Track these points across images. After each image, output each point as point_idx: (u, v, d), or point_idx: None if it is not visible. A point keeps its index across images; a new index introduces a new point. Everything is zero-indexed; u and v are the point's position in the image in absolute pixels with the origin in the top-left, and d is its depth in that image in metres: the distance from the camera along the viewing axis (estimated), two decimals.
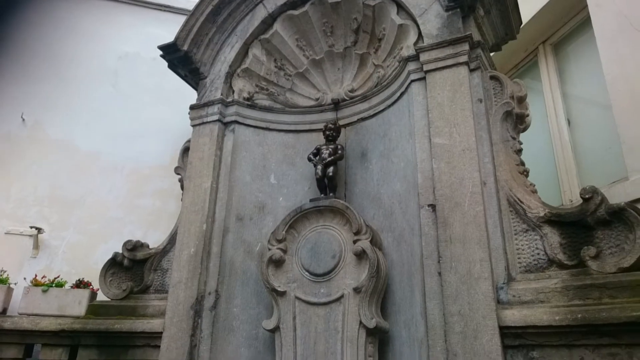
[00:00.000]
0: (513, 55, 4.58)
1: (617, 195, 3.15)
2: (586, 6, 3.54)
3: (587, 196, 2.34)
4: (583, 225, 2.34)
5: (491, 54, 3.55)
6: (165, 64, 3.84)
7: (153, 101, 4.47)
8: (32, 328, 3.27)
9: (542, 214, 2.46)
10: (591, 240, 2.31)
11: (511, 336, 2.28)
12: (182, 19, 3.89)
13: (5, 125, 4.19)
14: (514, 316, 2.27)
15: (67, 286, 3.50)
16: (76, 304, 3.41)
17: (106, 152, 4.30)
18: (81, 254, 3.98)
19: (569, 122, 4.05)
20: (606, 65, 3.28)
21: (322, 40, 3.73)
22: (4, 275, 3.44)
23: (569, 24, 4.04)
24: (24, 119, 4.20)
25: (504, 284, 2.41)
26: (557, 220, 2.41)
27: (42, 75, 4.35)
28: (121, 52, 4.66)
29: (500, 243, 2.49)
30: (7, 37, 4.38)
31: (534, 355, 2.24)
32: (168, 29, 4.70)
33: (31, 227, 3.86)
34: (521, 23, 3.41)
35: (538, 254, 2.44)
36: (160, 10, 4.75)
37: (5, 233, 3.87)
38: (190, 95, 3.98)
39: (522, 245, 2.50)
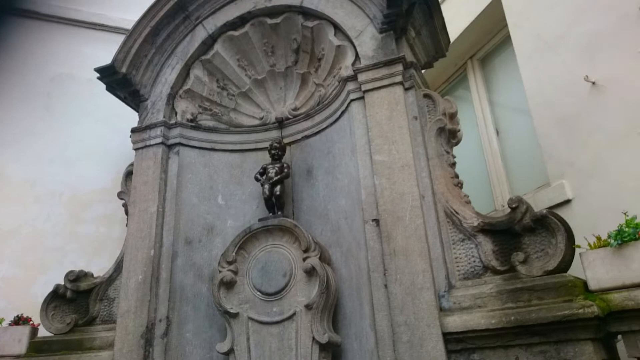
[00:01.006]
0: (445, 70, 4.85)
1: (542, 201, 3.44)
2: (506, 25, 3.85)
3: (513, 205, 2.54)
4: (512, 232, 2.53)
5: (424, 71, 3.77)
6: (102, 85, 3.75)
7: (90, 123, 4.32)
8: None
9: (476, 224, 2.64)
10: (520, 246, 2.51)
11: (454, 341, 2.43)
12: (117, 37, 3.83)
13: None
14: (455, 322, 2.42)
15: (4, 323, 3.31)
16: (16, 342, 3.23)
17: (41, 178, 4.10)
18: (18, 288, 3.77)
19: (497, 132, 4.35)
20: (525, 80, 3.58)
21: (263, 60, 3.79)
22: None
23: (493, 41, 4.36)
24: None
25: (445, 292, 2.57)
26: (489, 229, 2.60)
27: None
28: (54, 73, 4.47)
29: (440, 253, 2.65)
30: None
31: (475, 358, 2.40)
32: (103, 48, 4.56)
33: None
34: (449, 42, 3.64)
35: (474, 261, 2.62)
36: (95, 29, 4.61)
37: None
38: (130, 116, 3.90)
39: (459, 254, 2.68)
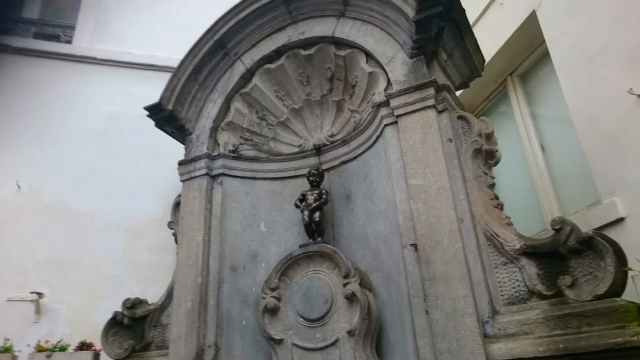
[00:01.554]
0: (485, 88, 4.78)
1: (593, 219, 3.28)
2: (544, 40, 3.76)
3: (557, 227, 2.46)
4: (557, 255, 2.44)
5: (460, 91, 3.74)
6: (150, 121, 3.99)
7: (142, 157, 4.62)
8: None
9: (518, 247, 2.57)
10: (566, 269, 2.41)
11: None
12: (164, 75, 4.06)
13: (2, 193, 4.31)
14: (501, 350, 2.36)
15: (70, 349, 3.55)
16: None
17: (100, 211, 4.42)
18: (82, 315, 4.04)
19: (542, 148, 4.21)
20: (567, 95, 3.47)
21: (299, 90, 3.91)
22: (8, 344, 3.50)
23: (532, 57, 4.26)
24: (19, 186, 4.34)
25: (489, 317, 2.51)
26: (533, 251, 2.52)
27: (34, 141, 4.52)
28: (109, 113, 4.83)
29: (482, 277, 2.59)
30: None
31: None
32: (152, 85, 4.88)
33: (32, 293, 3.95)
34: (484, 61, 3.60)
35: (518, 285, 2.55)
36: (145, 69, 4.95)
37: (7, 300, 3.94)
38: (179, 149, 4.12)
39: (502, 278, 2.61)
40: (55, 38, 5.37)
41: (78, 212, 4.39)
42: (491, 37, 4.24)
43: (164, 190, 4.50)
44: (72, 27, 5.33)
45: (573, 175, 3.77)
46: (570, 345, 2.17)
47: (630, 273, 2.27)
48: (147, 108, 3.91)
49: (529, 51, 4.22)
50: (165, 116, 3.90)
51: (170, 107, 3.86)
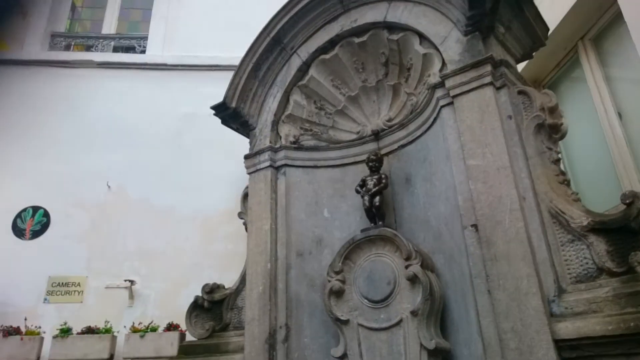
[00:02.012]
0: (553, 55, 4.51)
1: None
2: (616, 0, 3.48)
3: (627, 201, 2.34)
4: (628, 230, 2.32)
5: (525, 63, 3.59)
6: (218, 119, 4.25)
7: (213, 153, 4.94)
8: None
9: (585, 223, 2.47)
10: (638, 245, 2.29)
11: (567, 349, 2.31)
12: (228, 74, 4.29)
13: (95, 193, 4.85)
14: (568, 329, 2.30)
15: (160, 329, 3.94)
16: (169, 346, 3.84)
17: (178, 205, 4.81)
18: (168, 300, 4.46)
19: (620, 116, 3.92)
20: None
21: (355, 77, 3.97)
22: (108, 326, 3.96)
23: (603, 18, 3.94)
24: (109, 186, 4.84)
25: (555, 296, 2.45)
26: (602, 227, 2.41)
27: (117, 145, 5.00)
28: (181, 113, 5.21)
29: (547, 256, 2.53)
30: (80, 115, 5.09)
31: None
32: (218, 84, 5.17)
33: (125, 280, 4.42)
34: (548, 30, 3.42)
35: (587, 263, 2.46)
36: (211, 70, 5.27)
37: (105, 288, 4.46)
38: (244, 142, 4.35)
39: (569, 256, 2.52)
40: (131, 49, 5.87)
41: (160, 207, 4.82)
42: (556, 1, 3.99)
43: (234, 182, 4.80)
44: (145, 38, 5.78)
45: None
46: None
47: None
48: (213, 107, 4.17)
49: (600, 12, 3.92)
50: (229, 113, 4.14)
51: (233, 104, 4.08)
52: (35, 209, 4.66)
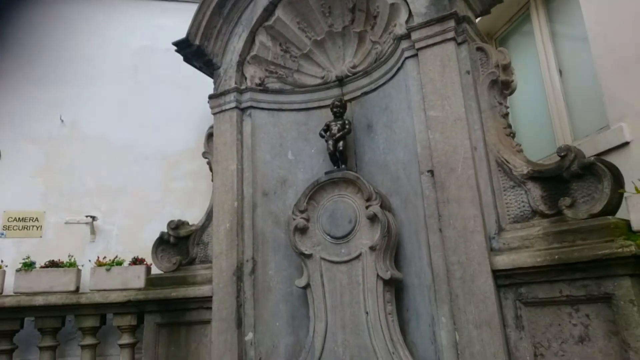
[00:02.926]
0: (507, 10, 4.74)
1: (601, 143, 3.48)
2: None
3: (562, 154, 2.70)
4: (560, 179, 2.70)
5: (482, 17, 3.79)
6: (179, 55, 4.15)
7: (172, 90, 4.85)
8: (103, 301, 3.90)
9: (525, 172, 2.83)
10: (567, 191, 2.69)
11: (502, 277, 2.73)
12: (187, 6, 4.15)
13: (47, 127, 4.65)
14: (504, 261, 2.71)
15: (125, 264, 4.06)
16: (136, 278, 3.99)
17: (138, 143, 4.75)
18: (131, 235, 4.54)
19: (560, 72, 4.29)
20: (587, 22, 3.50)
21: (321, 21, 4.00)
22: (72, 260, 4.03)
23: None
24: (62, 120, 4.66)
25: (495, 234, 2.84)
26: (539, 176, 2.78)
27: (70, 78, 4.75)
28: (137, 46, 4.99)
29: (491, 200, 2.89)
30: (29, 46, 4.75)
31: (522, 291, 2.69)
32: (177, 18, 4.98)
33: (87, 216, 4.42)
34: None
35: (524, 206, 2.84)
36: (168, 1, 5.02)
37: (65, 223, 4.44)
38: (206, 80, 4.32)
39: (510, 199, 2.90)
40: None
41: (118, 144, 4.73)
42: None
43: (195, 120, 4.79)
44: None
45: (586, 99, 3.90)
46: (564, 256, 2.50)
47: (625, 195, 2.52)
48: (175, 43, 4.07)
49: None
50: (193, 51, 4.07)
51: (197, 42, 4.01)
52: None
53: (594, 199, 2.58)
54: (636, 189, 2.49)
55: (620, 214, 2.59)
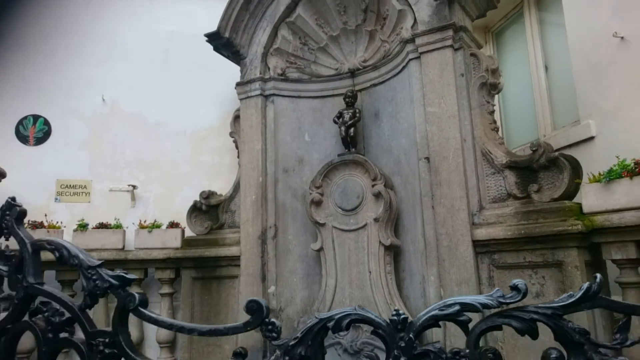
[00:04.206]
0: (503, 7, 5.23)
1: (572, 136, 4.11)
2: None
3: (534, 149, 3.33)
4: (531, 169, 3.35)
5: (478, 19, 4.31)
6: (203, 39, 4.65)
7: (198, 72, 5.39)
8: (147, 257, 4.61)
9: (504, 162, 3.47)
10: (536, 179, 3.33)
11: (480, 246, 3.42)
12: None
13: (91, 105, 5.23)
14: (482, 233, 3.39)
15: (163, 227, 4.75)
16: (173, 239, 4.68)
17: (169, 120, 5.34)
18: (165, 202, 5.21)
19: (546, 68, 4.85)
20: (568, 28, 4.05)
21: (337, 19, 4.53)
22: (118, 222, 4.71)
23: None
24: (104, 99, 5.23)
25: (477, 211, 3.51)
26: (515, 165, 3.42)
27: (108, 58, 5.27)
28: (167, 31, 5.49)
29: (475, 184, 3.54)
30: (71, 24, 5.25)
31: (495, 257, 3.39)
32: (201, 5, 5.50)
33: (128, 185, 5.07)
34: None
35: (501, 190, 3.50)
36: None
37: (109, 190, 5.09)
38: (227, 63, 4.85)
39: (490, 184, 3.55)
40: None
41: (152, 121, 5.32)
42: None
43: (219, 100, 5.36)
44: None
45: (566, 95, 4.48)
46: (529, 231, 3.18)
47: (580, 184, 3.17)
48: (207, 35, 4.60)
49: None
50: (222, 43, 4.61)
51: (227, 35, 4.55)
52: (36, 117, 5.00)
53: (555, 186, 3.24)
54: (589, 179, 3.14)
55: (578, 198, 3.24)
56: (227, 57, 4.79)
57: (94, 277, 1.35)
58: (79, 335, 1.38)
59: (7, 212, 1.58)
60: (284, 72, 4.65)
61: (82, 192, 5.01)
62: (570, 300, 1.06)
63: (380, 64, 4.36)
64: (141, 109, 5.30)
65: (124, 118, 5.26)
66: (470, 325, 1.11)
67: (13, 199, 1.62)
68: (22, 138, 4.92)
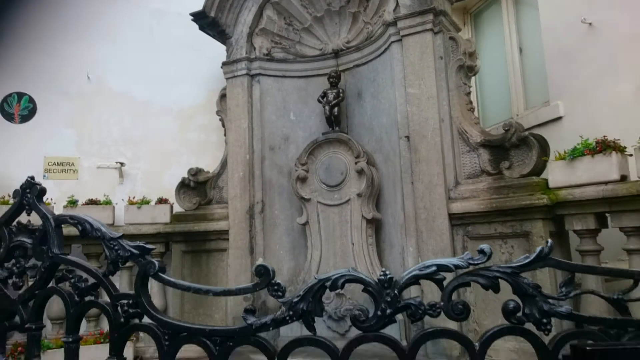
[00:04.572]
0: None
1: (542, 115, 4.38)
2: None
3: (506, 128, 3.58)
4: (503, 147, 3.60)
5: (457, 1, 4.48)
6: (188, 18, 4.69)
7: (184, 50, 5.43)
8: (137, 232, 4.73)
9: (479, 140, 3.71)
10: (507, 157, 3.59)
11: (455, 219, 3.68)
12: None
13: (77, 83, 5.23)
14: (457, 207, 3.65)
15: (152, 203, 4.88)
16: (162, 215, 4.82)
17: (156, 98, 5.39)
18: (153, 179, 5.31)
19: (520, 50, 5.08)
20: (542, 11, 4.26)
21: (321, 0, 4.63)
22: (107, 198, 4.82)
23: None
24: (89, 77, 5.24)
25: (453, 187, 3.76)
26: (488, 144, 3.67)
27: (93, 35, 5.26)
28: (152, 9, 5.49)
29: (452, 161, 3.78)
30: (56, 7, 5.20)
31: (469, 229, 3.66)
32: None
33: (116, 162, 5.15)
34: None
35: (475, 167, 3.75)
36: None
37: (97, 167, 5.16)
38: (212, 42, 4.92)
39: (466, 161, 3.80)
40: None
41: (139, 99, 5.36)
42: None
43: (205, 78, 5.43)
44: None
45: (537, 77, 4.73)
46: (500, 204, 3.45)
47: (549, 162, 3.43)
48: (192, 14, 4.66)
49: None
50: (208, 22, 4.67)
51: (212, 14, 4.61)
52: (20, 95, 4.98)
53: (525, 163, 3.50)
54: (555, 157, 3.41)
55: (546, 175, 3.52)
56: (213, 36, 4.85)
57: (116, 247, 1.52)
58: (104, 298, 1.56)
59: (28, 190, 1.72)
60: (269, 52, 4.76)
61: (70, 169, 5.08)
62: (526, 261, 1.29)
63: (363, 45, 4.51)
64: (127, 87, 5.33)
65: (110, 96, 5.30)
66: (445, 283, 1.33)
67: (32, 177, 1.76)
68: (7, 116, 4.93)
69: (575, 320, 1.28)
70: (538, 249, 1.32)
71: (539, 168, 3.50)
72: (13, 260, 1.72)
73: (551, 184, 3.38)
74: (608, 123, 3.69)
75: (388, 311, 1.29)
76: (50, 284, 1.66)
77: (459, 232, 3.71)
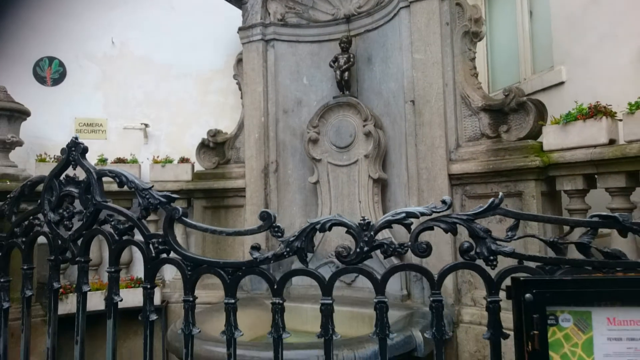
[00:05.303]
0: None
1: (546, 80, 4.49)
2: None
3: (506, 93, 3.75)
4: (502, 111, 3.78)
5: None
6: None
7: (203, 15, 5.64)
8: (161, 189, 5.07)
9: (480, 105, 3.90)
10: (506, 121, 3.78)
11: (455, 179, 3.93)
12: None
13: (102, 47, 5.52)
14: (457, 168, 3.90)
15: (175, 162, 5.24)
16: (184, 173, 5.20)
17: (176, 62, 5.66)
18: (176, 139, 5.66)
19: (531, 14, 5.12)
20: None
21: None
22: (134, 157, 5.21)
23: None
24: (113, 42, 5.52)
25: (454, 149, 3.99)
26: (489, 108, 3.85)
27: (116, 3, 5.52)
28: None
29: (454, 124, 3.99)
30: None
31: (467, 189, 3.91)
32: None
33: (141, 123, 5.51)
34: None
35: (475, 130, 3.96)
36: None
37: (124, 128, 5.53)
38: (231, 8, 5.12)
39: (467, 125, 4.00)
40: None
41: (160, 62, 5.64)
42: None
43: (223, 43, 5.65)
44: None
45: (545, 41, 4.80)
46: (496, 166, 3.68)
47: (544, 126, 3.61)
48: None
49: None
50: None
51: None
52: (51, 59, 5.31)
53: (522, 127, 3.70)
54: (551, 121, 3.58)
55: (542, 138, 3.70)
56: (229, 1, 5.03)
57: (147, 196, 1.85)
58: (138, 237, 1.91)
59: (73, 149, 2.06)
60: (283, 17, 4.94)
61: (99, 130, 5.46)
62: (479, 210, 1.56)
63: (373, 10, 4.64)
64: (148, 51, 5.60)
65: (132, 60, 5.58)
66: (412, 227, 1.62)
67: (76, 138, 2.08)
68: (40, 79, 5.28)
69: (517, 258, 1.56)
70: (490, 200, 1.58)
71: (536, 132, 3.69)
72: (63, 207, 2.08)
73: (545, 147, 3.57)
74: (608, 88, 3.81)
75: (365, 249, 1.60)
76: (95, 226, 2.02)
77: (457, 192, 3.97)
